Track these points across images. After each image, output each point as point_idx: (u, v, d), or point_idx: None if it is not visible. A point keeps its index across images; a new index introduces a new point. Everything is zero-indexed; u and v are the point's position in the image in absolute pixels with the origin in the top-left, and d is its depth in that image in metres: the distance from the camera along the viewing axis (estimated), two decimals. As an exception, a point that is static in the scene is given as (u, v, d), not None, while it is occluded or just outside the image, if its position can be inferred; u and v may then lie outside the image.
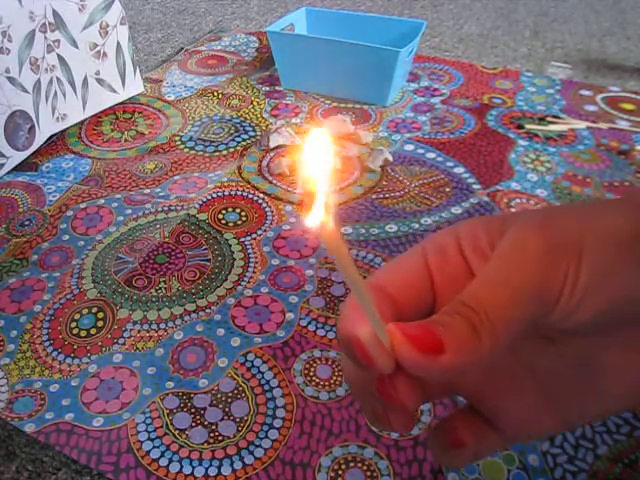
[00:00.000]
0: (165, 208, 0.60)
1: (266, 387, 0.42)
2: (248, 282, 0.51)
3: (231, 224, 0.58)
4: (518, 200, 0.60)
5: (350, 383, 0.22)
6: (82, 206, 0.61)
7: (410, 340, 0.17)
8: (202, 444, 0.39)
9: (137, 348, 0.46)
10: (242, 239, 0.56)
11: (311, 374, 0.43)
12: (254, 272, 0.52)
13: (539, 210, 0.21)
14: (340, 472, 0.37)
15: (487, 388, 0.21)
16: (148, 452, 0.39)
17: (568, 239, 0.18)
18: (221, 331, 0.47)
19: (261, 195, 0.62)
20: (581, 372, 0.21)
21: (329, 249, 0.15)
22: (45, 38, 0.67)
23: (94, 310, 0.49)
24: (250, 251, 0.55)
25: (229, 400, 0.42)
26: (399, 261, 0.21)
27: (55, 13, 0.67)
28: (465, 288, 0.18)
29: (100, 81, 0.76)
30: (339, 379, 0.43)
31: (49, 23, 0.67)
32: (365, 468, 0.37)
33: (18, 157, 0.67)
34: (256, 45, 0.98)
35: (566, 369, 0.21)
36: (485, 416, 0.22)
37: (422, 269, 0.21)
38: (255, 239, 0.56)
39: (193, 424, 0.40)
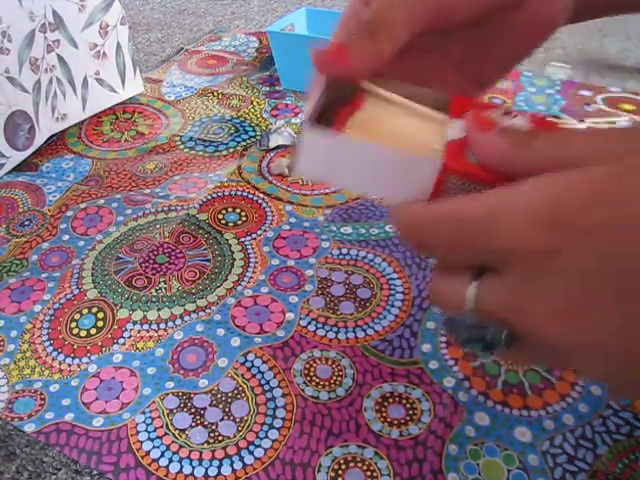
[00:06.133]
0: (165, 208, 0.60)
1: (266, 387, 0.42)
2: (248, 282, 0.51)
3: (231, 224, 0.58)
4: (518, 200, 0.60)
5: None
6: (82, 206, 0.61)
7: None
8: (202, 444, 0.39)
9: (137, 348, 0.46)
10: (242, 239, 0.56)
11: (311, 374, 0.43)
12: (254, 272, 0.52)
13: None
14: (340, 472, 0.37)
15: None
16: (148, 452, 0.39)
17: None
18: (221, 331, 0.47)
19: (261, 195, 0.62)
20: (483, 36, 0.29)
21: None
22: (45, 38, 0.67)
23: (94, 310, 0.49)
24: (250, 251, 0.55)
25: (229, 400, 0.42)
26: None
27: (55, 13, 0.67)
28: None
29: (100, 81, 0.76)
30: (339, 379, 0.43)
31: (49, 23, 0.67)
32: (365, 468, 0.37)
33: (18, 157, 0.67)
34: (256, 45, 0.98)
35: (472, 39, 0.29)
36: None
37: None
38: (255, 239, 0.56)
39: (193, 424, 0.40)
